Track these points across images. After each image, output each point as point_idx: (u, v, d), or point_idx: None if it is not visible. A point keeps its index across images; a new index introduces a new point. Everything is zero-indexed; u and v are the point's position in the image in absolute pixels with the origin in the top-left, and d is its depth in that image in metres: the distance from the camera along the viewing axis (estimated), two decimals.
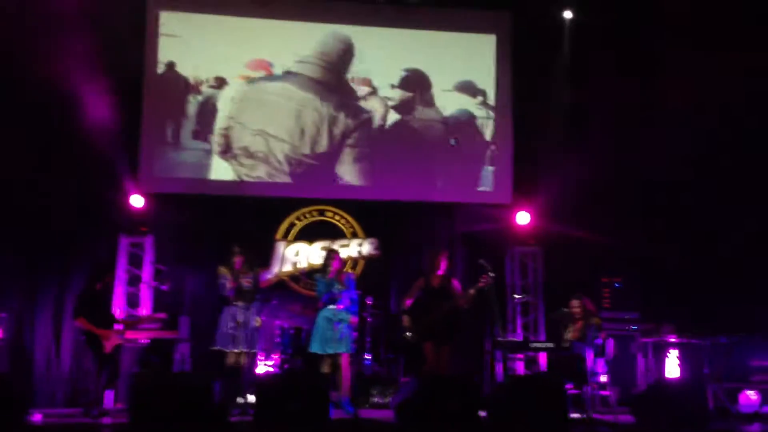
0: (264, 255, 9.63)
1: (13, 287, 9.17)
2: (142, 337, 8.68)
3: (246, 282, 7.92)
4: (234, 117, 9.86)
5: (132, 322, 8.50)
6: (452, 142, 9.75)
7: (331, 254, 8.14)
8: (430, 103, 10.30)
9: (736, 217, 9.60)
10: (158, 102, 9.81)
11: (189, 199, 9.72)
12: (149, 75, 9.79)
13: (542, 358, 8.46)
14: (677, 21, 9.67)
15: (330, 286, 7.88)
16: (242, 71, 9.94)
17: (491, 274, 7.76)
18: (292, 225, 10.04)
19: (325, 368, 7.74)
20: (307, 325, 8.57)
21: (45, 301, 9.20)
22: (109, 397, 7.88)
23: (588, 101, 9.96)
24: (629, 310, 9.31)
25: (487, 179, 10.34)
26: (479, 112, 10.38)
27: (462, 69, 10.40)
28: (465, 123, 10.35)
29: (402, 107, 10.24)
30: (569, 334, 8.24)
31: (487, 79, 10.40)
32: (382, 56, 10.24)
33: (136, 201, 9.37)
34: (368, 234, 10.11)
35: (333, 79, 10.10)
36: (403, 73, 10.24)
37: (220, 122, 9.84)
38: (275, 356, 8.82)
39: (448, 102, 10.34)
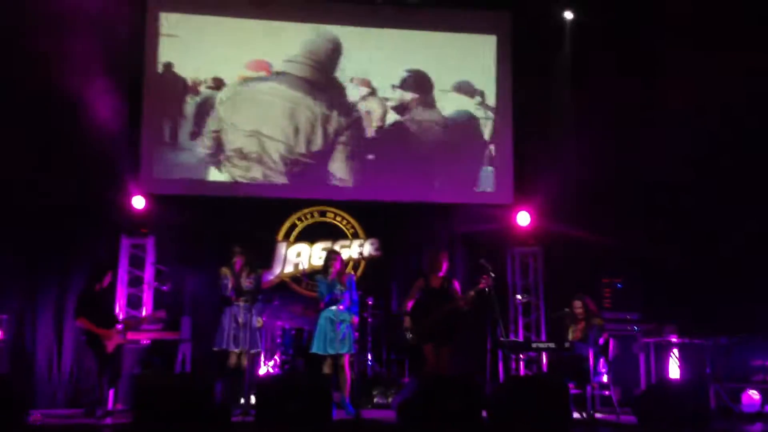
0: (264, 255, 9.61)
1: (14, 287, 9.15)
2: (144, 338, 8.69)
3: (247, 282, 7.92)
4: (226, 119, 9.84)
5: (133, 323, 8.49)
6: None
7: (333, 255, 8.12)
8: (430, 104, 10.30)
9: (737, 217, 9.59)
10: (158, 102, 9.81)
11: (189, 199, 9.71)
12: (149, 75, 9.79)
13: (543, 358, 8.46)
14: (677, 21, 9.68)
15: (331, 287, 7.87)
16: (242, 72, 9.93)
17: (492, 275, 7.75)
18: (293, 226, 10.03)
19: (327, 369, 7.74)
20: (308, 325, 8.58)
21: (45, 302, 9.18)
22: (109, 398, 7.88)
23: (588, 101, 9.95)
24: (630, 310, 9.30)
25: (488, 179, 10.34)
26: (478, 113, 10.38)
27: (461, 69, 10.39)
28: (464, 123, 10.35)
29: (402, 108, 10.24)
30: (571, 335, 8.24)
31: (486, 79, 10.40)
32: (381, 57, 10.24)
33: (138, 202, 9.35)
34: (369, 235, 10.11)
35: (323, 78, 10.08)
36: (405, 74, 10.24)
37: (212, 124, 9.82)
38: (277, 357, 8.83)
39: (448, 102, 10.33)
